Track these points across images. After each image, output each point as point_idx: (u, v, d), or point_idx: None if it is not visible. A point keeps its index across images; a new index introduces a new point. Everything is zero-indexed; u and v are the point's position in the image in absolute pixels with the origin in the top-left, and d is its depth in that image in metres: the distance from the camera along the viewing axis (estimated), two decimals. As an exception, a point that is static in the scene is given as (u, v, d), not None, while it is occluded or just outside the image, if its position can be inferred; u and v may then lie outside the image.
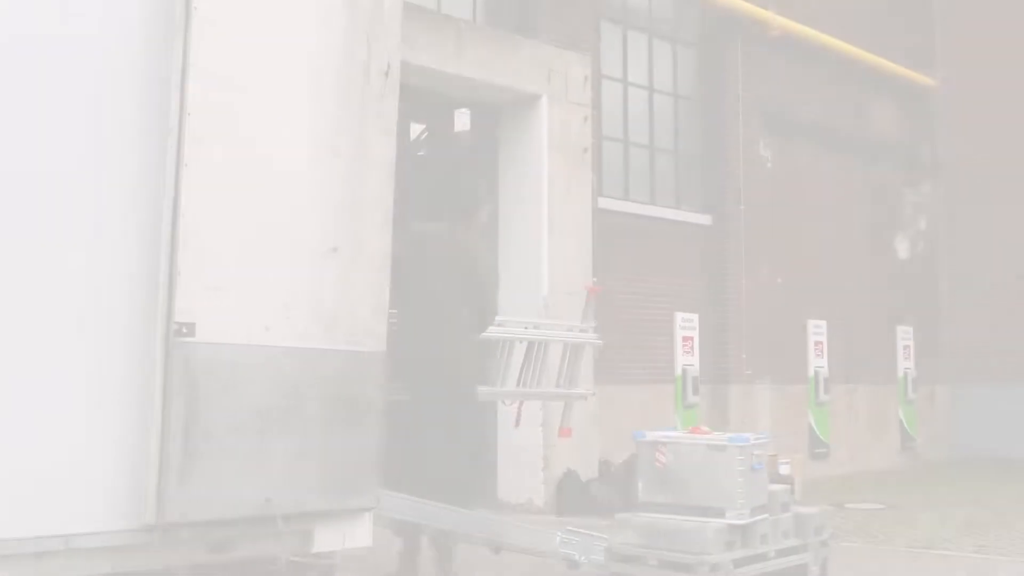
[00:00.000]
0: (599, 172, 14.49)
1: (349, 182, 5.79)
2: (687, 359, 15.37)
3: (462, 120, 14.59)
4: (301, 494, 5.52)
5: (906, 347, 19.23)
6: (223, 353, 5.21)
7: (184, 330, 5.05)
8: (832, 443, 17.41)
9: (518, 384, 8.35)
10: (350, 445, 5.74)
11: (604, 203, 14.40)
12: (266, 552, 5.52)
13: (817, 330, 17.33)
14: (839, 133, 18.00)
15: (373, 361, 5.86)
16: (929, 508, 13.69)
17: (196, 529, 5.20)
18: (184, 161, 5.07)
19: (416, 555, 8.44)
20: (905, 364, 19.20)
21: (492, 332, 7.96)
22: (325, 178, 5.69)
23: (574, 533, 6.97)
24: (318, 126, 5.68)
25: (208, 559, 5.34)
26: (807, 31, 16.97)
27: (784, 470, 14.29)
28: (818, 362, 17.27)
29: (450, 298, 7.52)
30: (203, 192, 5.14)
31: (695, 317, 15.53)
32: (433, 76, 12.14)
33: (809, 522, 7.10)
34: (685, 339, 15.38)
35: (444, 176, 13.06)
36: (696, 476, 6.55)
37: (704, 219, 15.92)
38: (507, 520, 7.33)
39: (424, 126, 17.47)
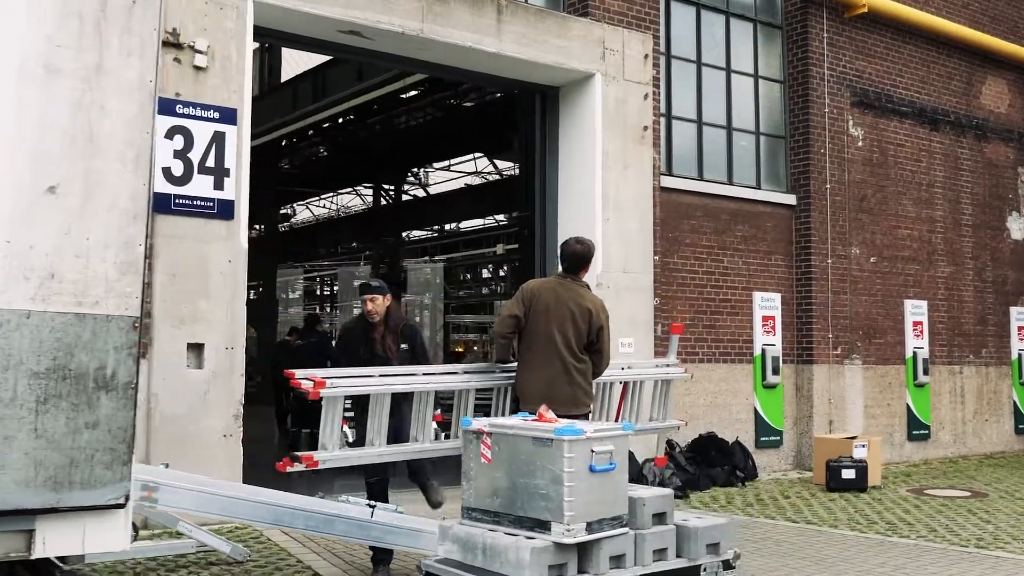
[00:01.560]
0: (668, 152, 12.34)
1: (78, 108, 3.99)
2: (768, 339, 12.99)
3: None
4: (-3, 489, 3.80)
5: (1020, 328, 15.98)
6: None
7: None
8: (934, 425, 14.56)
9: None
10: (79, 429, 3.96)
11: (675, 183, 12.24)
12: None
13: (916, 310, 14.47)
14: (940, 111, 15.04)
15: (117, 327, 4.05)
16: (1017, 499, 10.85)
17: None
18: None
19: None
20: (1020, 345, 15.96)
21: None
22: (36, 100, 3.91)
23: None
24: (25, 35, 3.90)
25: None
26: (899, 8, 14.15)
27: (859, 453, 11.80)
28: (917, 343, 14.39)
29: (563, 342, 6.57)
30: None
31: (777, 297, 13.12)
32: (470, 54, 10.29)
33: (700, 538, 4.54)
34: (765, 319, 13.00)
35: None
36: (523, 477, 4.23)
37: (788, 199, 13.40)
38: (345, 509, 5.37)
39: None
